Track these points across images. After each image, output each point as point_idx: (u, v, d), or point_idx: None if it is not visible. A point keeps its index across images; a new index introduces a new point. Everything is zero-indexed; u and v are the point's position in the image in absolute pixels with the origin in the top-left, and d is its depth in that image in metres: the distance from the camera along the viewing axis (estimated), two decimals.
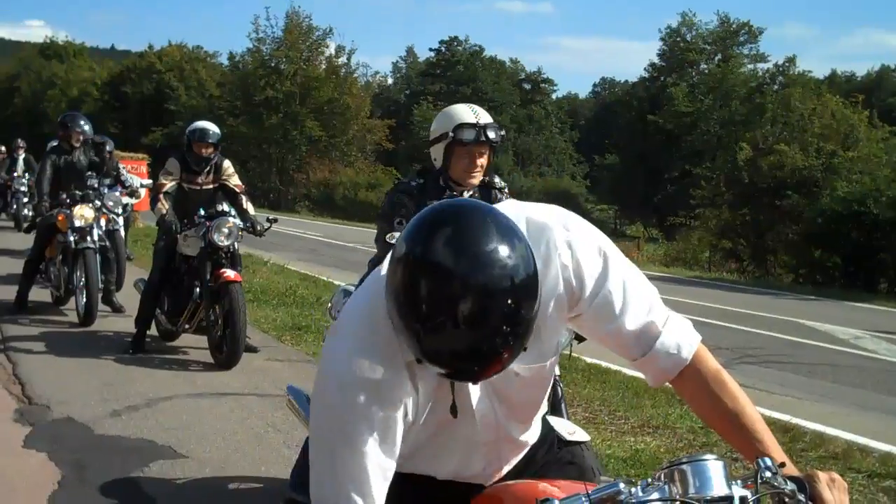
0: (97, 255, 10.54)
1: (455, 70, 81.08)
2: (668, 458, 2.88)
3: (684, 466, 1.89)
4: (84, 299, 10.34)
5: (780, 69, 66.11)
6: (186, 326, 9.23)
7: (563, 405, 4.59)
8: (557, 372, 4.51)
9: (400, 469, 2.19)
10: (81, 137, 11.12)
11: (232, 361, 8.58)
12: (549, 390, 2.52)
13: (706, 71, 67.80)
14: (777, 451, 2.11)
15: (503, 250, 1.81)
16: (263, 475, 5.81)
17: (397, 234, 4.02)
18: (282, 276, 15.95)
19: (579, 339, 4.41)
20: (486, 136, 4.57)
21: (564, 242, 2.19)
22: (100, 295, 10.62)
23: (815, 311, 16.73)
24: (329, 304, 5.11)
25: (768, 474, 1.91)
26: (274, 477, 5.75)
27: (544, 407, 2.59)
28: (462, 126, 4.52)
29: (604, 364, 9.38)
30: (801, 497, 1.91)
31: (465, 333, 1.81)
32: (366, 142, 61.65)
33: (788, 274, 29.94)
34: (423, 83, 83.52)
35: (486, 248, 1.80)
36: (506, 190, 5.09)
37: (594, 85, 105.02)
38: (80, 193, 10.67)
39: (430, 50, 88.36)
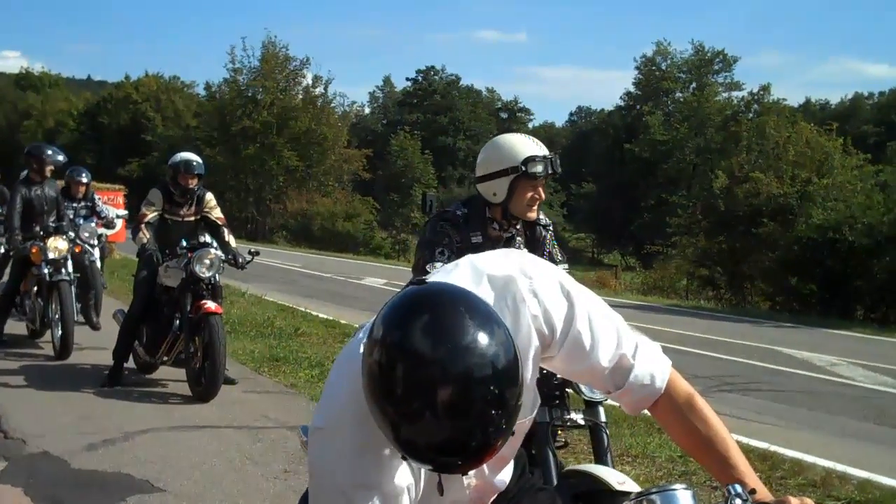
0: (72, 287, 10.50)
1: (432, 99, 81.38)
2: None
3: (654, 496, 1.89)
4: (59, 332, 10.25)
5: (755, 97, 66.66)
6: (165, 358, 9.18)
7: (608, 455, 4.34)
8: (604, 419, 4.33)
9: None
10: (52, 167, 11.05)
11: (210, 394, 8.53)
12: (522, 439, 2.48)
13: (681, 99, 68.32)
14: (750, 477, 2.11)
15: (482, 339, 1.74)
16: None
17: (438, 265, 3.98)
18: (259, 307, 15.92)
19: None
20: (554, 169, 4.50)
21: (529, 292, 2.18)
22: (75, 325, 10.48)
23: (793, 338, 16.78)
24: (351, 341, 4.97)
25: (738, 501, 1.93)
26: None
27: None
28: (534, 159, 4.40)
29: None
30: None
31: (445, 424, 1.72)
32: (343, 171, 61.69)
33: (765, 301, 30.05)
34: (400, 112, 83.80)
35: (465, 338, 1.73)
36: (550, 228, 4.95)
37: (570, 114, 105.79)
38: (54, 225, 10.61)
39: (407, 79, 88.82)
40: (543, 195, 4.54)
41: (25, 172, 11.09)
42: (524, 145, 4.48)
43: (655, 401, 2.28)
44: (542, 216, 4.82)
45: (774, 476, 6.71)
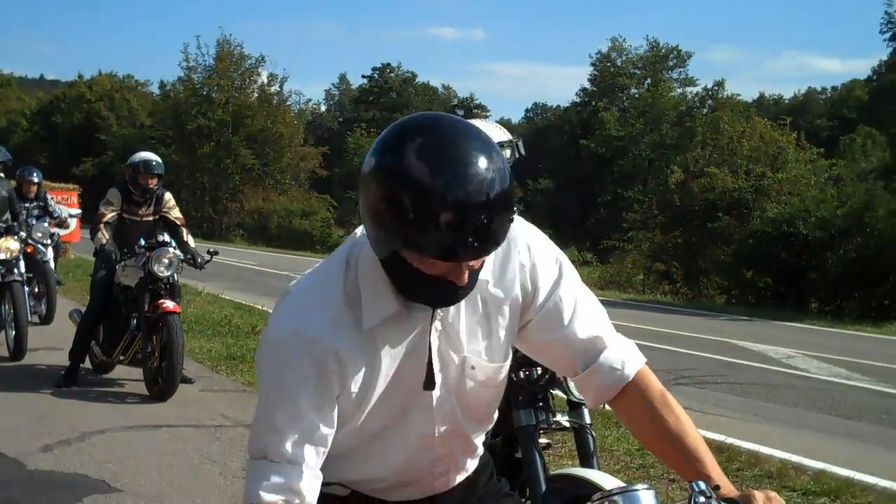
0: (24, 287, 10.46)
1: (388, 97, 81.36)
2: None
3: (616, 497, 1.88)
4: (13, 333, 10.18)
5: (710, 93, 67.06)
6: (121, 358, 9.12)
7: (594, 457, 4.26)
8: (589, 420, 4.25)
9: (349, 473, 2.25)
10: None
11: (167, 393, 8.50)
12: (499, 402, 2.44)
13: (636, 95, 68.58)
14: (716, 472, 2.07)
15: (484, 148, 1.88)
16: None
17: None
18: (216, 305, 15.86)
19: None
20: (520, 152, 4.45)
21: (525, 244, 2.23)
22: (29, 325, 10.43)
23: (748, 331, 16.92)
24: None
25: (702, 499, 1.90)
26: None
27: (491, 421, 2.56)
28: (502, 145, 4.24)
29: None
30: None
31: (459, 206, 1.81)
32: (299, 169, 61.65)
33: (721, 295, 30.28)
34: (356, 110, 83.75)
35: (469, 147, 1.87)
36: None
37: (526, 110, 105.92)
38: (5, 226, 10.49)
39: (363, 77, 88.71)
40: None
41: None
42: (490, 132, 4.38)
43: (623, 390, 2.24)
44: None
45: (731, 468, 6.76)
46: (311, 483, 2.08)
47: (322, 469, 2.17)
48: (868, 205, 25.19)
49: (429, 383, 2.15)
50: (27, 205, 12.48)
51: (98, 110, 73.33)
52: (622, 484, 2.87)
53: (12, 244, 10.31)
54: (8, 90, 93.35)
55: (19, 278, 10.31)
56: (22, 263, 10.50)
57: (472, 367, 2.22)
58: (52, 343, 10.81)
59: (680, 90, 68.42)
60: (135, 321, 8.81)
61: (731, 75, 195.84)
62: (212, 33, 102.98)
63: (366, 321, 2.08)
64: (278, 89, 62.85)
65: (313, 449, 2.09)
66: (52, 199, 14.05)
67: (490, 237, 1.85)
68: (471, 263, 1.94)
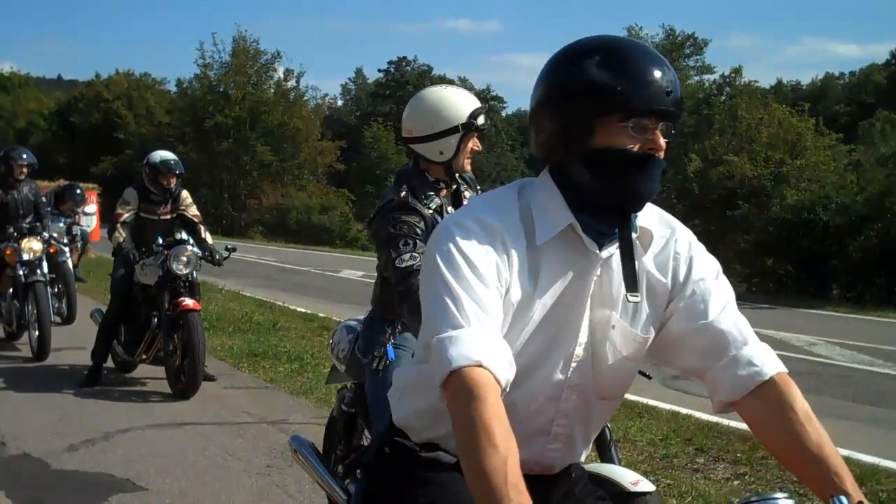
0: (48, 287, 10.49)
1: (405, 90, 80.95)
2: (739, 496, 2.77)
3: None
4: (37, 333, 10.19)
5: (727, 80, 66.66)
6: (144, 357, 9.15)
7: (614, 450, 4.30)
8: None
9: None
10: (25, 170, 10.88)
11: (190, 391, 8.52)
12: (624, 392, 2.50)
13: None
14: (854, 489, 2.02)
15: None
16: None
17: (406, 256, 3.92)
18: (237, 302, 15.88)
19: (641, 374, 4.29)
20: (489, 118, 4.48)
21: (686, 239, 2.35)
22: (53, 325, 10.48)
23: (770, 319, 16.86)
24: (330, 341, 4.87)
25: None
26: None
27: (611, 411, 2.60)
28: (479, 112, 4.30)
29: None
30: None
31: (649, 58, 2.11)
32: (317, 164, 61.65)
33: (742, 283, 30.13)
34: (372, 104, 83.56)
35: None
36: (478, 187, 4.68)
37: None
38: (28, 226, 10.57)
39: (379, 71, 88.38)
40: (480, 146, 4.47)
41: None
42: (466, 99, 4.37)
43: (759, 391, 2.19)
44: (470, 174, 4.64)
45: (755, 457, 6.74)
46: (503, 344, 2.04)
47: (442, 427, 2.22)
48: (888, 190, 25.01)
49: (630, 289, 2.21)
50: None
51: (116, 109, 73.39)
52: (646, 481, 2.84)
53: (35, 245, 10.38)
54: (26, 91, 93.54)
55: (42, 279, 10.34)
56: (45, 264, 10.54)
57: (613, 327, 2.26)
58: (74, 343, 10.85)
59: (697, 78, 68.04)
60: (155, 320, 8.83)
61: (749, 62, 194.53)
62: (228, 30, 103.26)
63: (539, 236, 2.16)
64: (295, 84, 62.96)
65: (495, 317, 2.07)
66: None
67: (677, 91, 2.10)
68: (661, 142, 2.13)
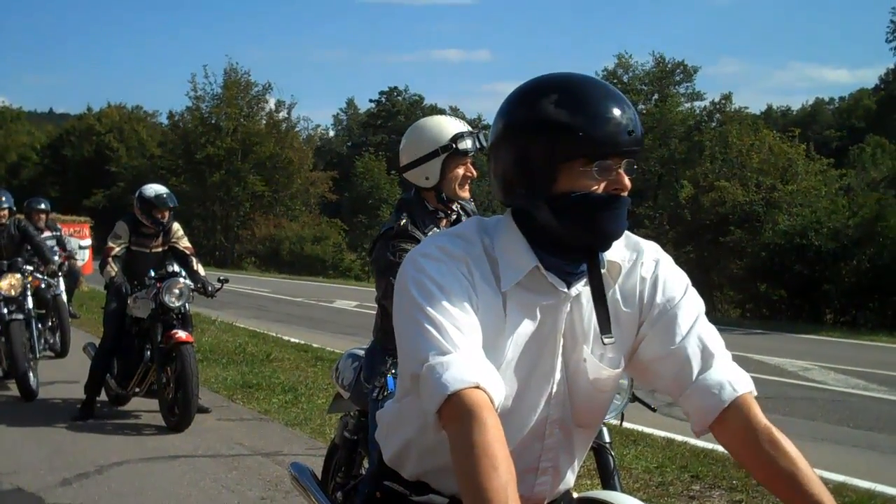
0: (31, 325, 10.27)
1: (396, 120, 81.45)
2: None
3: None
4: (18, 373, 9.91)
5: (717, 106, 66.95)
6: (137, 390, 9.12)
7: (616, 477, 4.31)
8: (608, 439, 4.31)
9: None
10: (6, 213, 10.45)
11: (184, 423, 8.49)
12: (601, 419, 2.51)
13: (644, 111, 68.41)
14: None
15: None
16: None
17: None
18: (230, 333, 15.86)
19: (633, 399, 4.26)
20: (482, 143, 4.42)
21: (652, 259, 2.31)
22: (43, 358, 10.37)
23: (763, 344, 16.84)
24: (335, 368, 4.88)
25: None
26: None
27: (592, 436, 2.55)
28: (462, 135, 4.28)
29: None
30: None
31: (613, 105, 2.08)
32: (309, 195, 61.78)
33: (735, 309, 30.23)
34: (364, 134, 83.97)
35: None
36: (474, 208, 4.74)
37: None
38: (8, 262, 10.28)
39: (371, 101, 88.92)
40: (475, 172, 4.45)
41: None
42: (449, 123, 4.38)
43: (722, 418, 2.16)
44: (471, 202, 4.65)
45: (751, 483, 6.73)
46: (491, 366, 2.03)
47: (429, 462, 2.27)
48: (880, 214, 25.08)
49: (604, 331, 2.21)
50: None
51: (108, 142, 73.65)
52: None
53: (16, 281, 10.11)
54: (18, 124, 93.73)
55: (20, 316, 10.04)
56: (30, 300, 10.28)
57: (584, 360, 2.25)
58: (67, 377, 10.80)
59: (687, 105, 68.31)
60: (148, 353, 8.82)
61: (738, 88, 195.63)
62: (219, 62, 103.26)
63: (504, 282, 2.15)
64: (286, 115, 63.18)
65: (477, 341, 2.06)
66: (61, 231, 14.17)
67: (639, 130, 2.09)
68: (625, 181, 2.11)
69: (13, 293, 10.04)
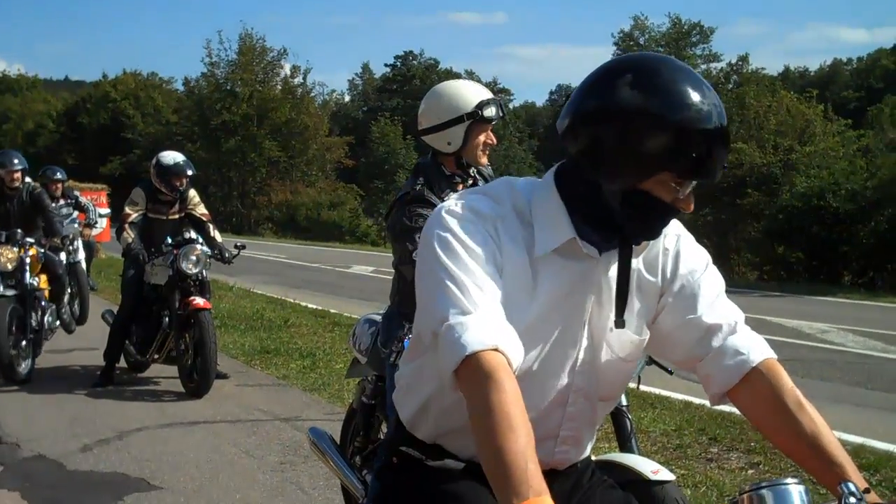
0: (23, 302, 9.29)
1: (411, 84, 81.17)
2: (742, 484, 2.74)
3: (764, 491, 1.81)
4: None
5: (734, 68, 66.62)
6: (156, 356, 9.17)
7: (633, 440, 4.33)
8: (625, 402, 4.32)
9: None
10: (18, 176, 9.72)
11: (203, 389, 8.53)
12: (623, 388, 2.54)
13: None
14: (858, 478, 1.99)
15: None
16: (239, 502, 5.77)
17: None
18: (248, 300, 15.90)
19: (650, 362, 4.27)
20: (503, 111, 4.45)
21: (675, 234, 2.33)
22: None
23: (781, 307, 16.80)
24: (352, 334, 4.90)
25: (853, 500, 1.84)
26: (249, 503, 5.72)
27: (611, 406, 2.60)
28: (488, 103, 4.29)
29: None
30: None
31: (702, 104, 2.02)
32: (325, 160, 61.66)
33: (753, 272, 30.16)
34: (380, 99, 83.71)
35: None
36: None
37: (551, 92, 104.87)
38: (6, 234, 9.37)
39: (386, 65, 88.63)
40: (495, 140, 4.45)
41: None
42: (473, 89, 4.39)
43: (747, 380, 2.20)
44: (489, 167, 4.66)
45: (769, 445, 6.72)
46: (511, 328, 2.03)
47: (446, 423, 2.29)
48: None
49: (620, 313, 2.21)
50: (54, 204, 12.25)
51: (123, 109, 73.57)
52: (666, 470, 2.82)
53: (10, 254, 9.23)
54: (33, 92, 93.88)
55: (9, 293, 9.12)
56: (28, 274, 9.33)
57: (611, 330, 2.26)
58: (86, 344, 10.86)
59: (704, 66, 67.93)
60: (167, 319, 8.85)
61: (755, 49, 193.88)
62: (233, 28, 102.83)
63: (539, 247, 2.16)
64: (301, 81, 62.99)
65: (499, 302, 2.07)
66: (79, 195, 14.17)
67: (721, 157, 2.06)
68: (690, 205, 2.11)
69: (10, 267, 9.20)
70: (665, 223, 2.18)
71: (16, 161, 9.74)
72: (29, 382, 9.08)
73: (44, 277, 9.87)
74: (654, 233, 2.17)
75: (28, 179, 9.96)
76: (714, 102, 2.04)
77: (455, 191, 4.27)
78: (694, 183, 2.07)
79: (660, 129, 1.97)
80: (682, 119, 1.97)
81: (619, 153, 2.03)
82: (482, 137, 4.33)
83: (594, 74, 2.11)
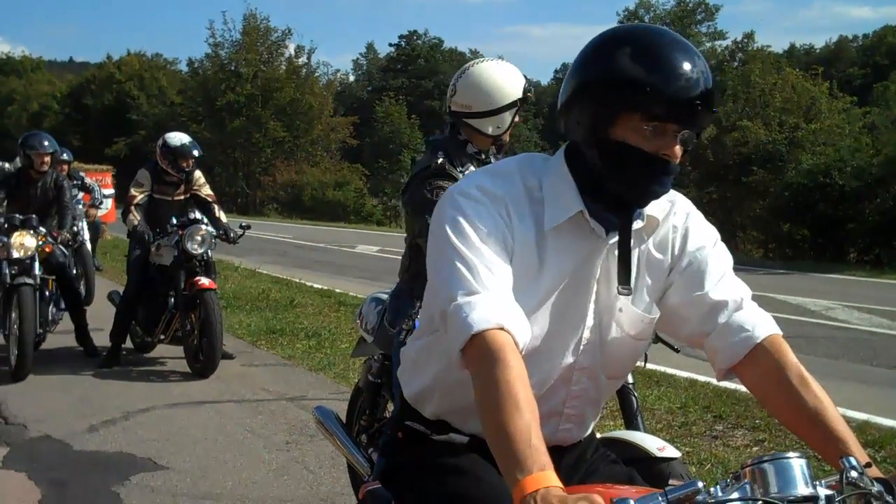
0: (36, 293, 8.78)
1: (416, 64, 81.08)
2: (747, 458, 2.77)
3: (765, 465, 1.82)
4: (16, 350, 8.57)
5: (739, 45, 66.40)
6: (162, 337, 9.17)
7: (639, 418, 4.38)
8: (631, 380, 4.36)
9: None
10: (48, 160, 9.31)
11: (209, 369, 8.55)
12: (631, 367, 2.56)
13: None
14: (860, 452, 2.02)
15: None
16: (245, 481, 5.78)
17: None
18: (253, 280, 15.92)
19: (656, 340, 4.29)
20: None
21: (684, 211, 2.35)
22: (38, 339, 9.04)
23: (786, 284, 16.82)
24: (359, 313, 4.92)
25: (854, 474, 1.82)
26: (255, 482, 5.74)
27: (617, 385, 2.63)
28: (529, 86, 4.45)
29: None
30: (889, 499, 1.83)
31: (680, 50, 2.07)
32: (330, 141, 61.52)
33: (758, 249, 30.12)
34: (384, 78, 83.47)
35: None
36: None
37: (555, 71, 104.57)
38: (21, 217, 8.90)
39: (390, 45, 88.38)
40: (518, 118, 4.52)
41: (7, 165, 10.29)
42: (517, 74, 4.47)
43: (752, 356, 2.22)
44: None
45: (774, 423, 6.73)
46: (519, 308, 2.06)
47: (451, 402, 2.32)
48: None
49: (625, 278, 2.23)
50: None
51: (128, 90, 73.45)
52: (671, 447, 2.82)
53: (28, 240, 8.77)
54: (38, 74, 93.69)
55: (30, 281, 8.66)
56: (37, 264, 8.86)
57: (621, 310, 2.28)
58: (92, 324, 10.79)
59: (709, 44, 67.77)
60: (172, 300, 8.85)
61: (761, 27, 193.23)
62: (237, 8, 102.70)
63: (548, 220, 2.18)
64: (306, 61, 62.83)
65: (508, 283, 2.10)
66: (84, 176, 14.21)
67: (709, 100, 2.07)
68: (676, 149, 2.10)
69: (22, 255, 8.73)
70: (655, 181, 2.14)
71: (46, 143, 9.33)
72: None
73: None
74: (643, 191, 2.16)
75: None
76: (705, 82, 2.07)
77: (475, 166, 4.35)
78: (681, 134, 2.09)
79: (611, 69, 2.06)
80: (632, 54, 2.06)
81: (582, 106, 2.11)
82: (517, 119, 4.43)
83: (600, 39, 2.18)
